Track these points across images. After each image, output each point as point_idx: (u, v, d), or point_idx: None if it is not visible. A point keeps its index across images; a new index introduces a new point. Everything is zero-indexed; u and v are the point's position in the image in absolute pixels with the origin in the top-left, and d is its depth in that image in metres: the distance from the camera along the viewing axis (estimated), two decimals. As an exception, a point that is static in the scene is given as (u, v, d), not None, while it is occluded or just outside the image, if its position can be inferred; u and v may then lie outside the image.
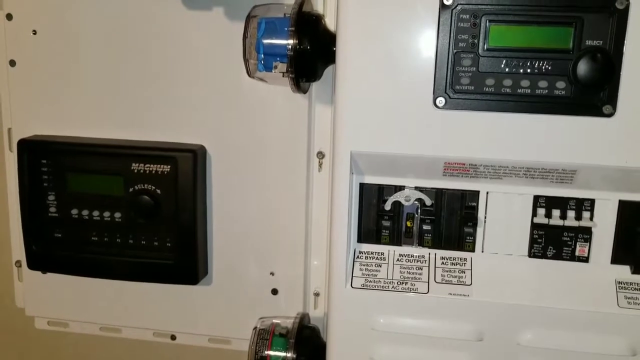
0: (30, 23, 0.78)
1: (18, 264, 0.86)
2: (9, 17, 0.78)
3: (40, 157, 0.78)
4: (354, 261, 0.65)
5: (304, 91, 0.70)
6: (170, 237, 0.78)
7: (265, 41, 0.65)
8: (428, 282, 0.63)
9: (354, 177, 0.65)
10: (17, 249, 0.85)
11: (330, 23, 0.71)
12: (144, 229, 0.78)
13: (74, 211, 0.79)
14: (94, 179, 0.78)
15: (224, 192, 0.80)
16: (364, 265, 0.65)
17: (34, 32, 0.78)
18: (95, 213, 0.79)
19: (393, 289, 0.63)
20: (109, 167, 0.77)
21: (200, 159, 0.77)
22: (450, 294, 0.62)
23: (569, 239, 0.63)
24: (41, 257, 0.81)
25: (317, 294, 0.81)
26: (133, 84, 0.78)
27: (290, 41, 0.64)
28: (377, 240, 0.66)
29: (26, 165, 0.78)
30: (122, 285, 0.82)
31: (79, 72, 0.78)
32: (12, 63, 0.79)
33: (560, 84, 0.57)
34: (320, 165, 0.78)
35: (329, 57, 0.64)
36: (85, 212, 0.79)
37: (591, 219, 0.63)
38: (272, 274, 0.81)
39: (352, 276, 0.64)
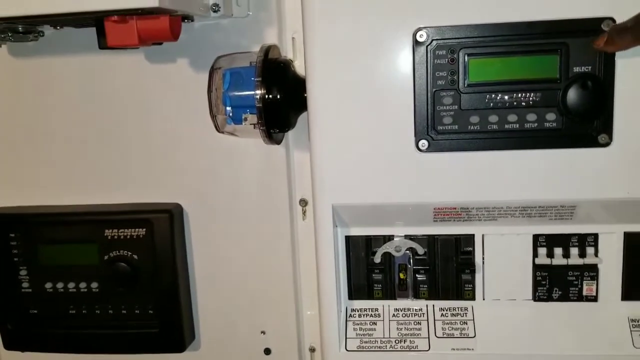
0: (-13, 90, 0.74)
1: (-6, 343, 0.81)
2: (-34, 84, 0.74)
3: (7, 231, 0.74)
4: (346, 321, 0.61)
5: (278, 142, 0.66)
6: (152, 304, 0.73)
7: (232, 94, 0.61)
8: (428, 337, 0.59)
9: (339, 230, 0.60)
10: (-7, 328, 0.80)
11: (300, 66, 0.67)
12: (124, 298, 0.74)
13: (48, 285, 0.74)
14: (66, 249, 0.74)
15: (205, 251, 0.75)
16: (357, 324, 0.60)
17: (-8, 99, 0.74)
18: (71, 285, 0.74)
19: (392, 349, 0.59)
20: (81, 236, 0.73)
21: (176, 219, 0.73)
22: (454, 349, 0.58)
23: (574, 278, 0.59)
24: (18, 336, 0.76)
25: (312, 350, 0.76)
26: (100, 145, 0.73)
27: (258, 92, 0.60)
28: (370, 296, 0.61)
29: (-7, 240, 0.74)
30: (105, 359, 0.77)
31: (42, 137, 0.74)
32: (-29, 133, 0.75)
33: (550, 116, 0.53)
34: (303, 213, 0.74)
35: (301, 104, 0.60)
36: (60, 285, 0.74)
37: (596, 254, 0.59)
38: (263, 332, 0.76)
39: (345, 338, 0.60)
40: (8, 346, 0.77)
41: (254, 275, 0.75)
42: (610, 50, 0.50)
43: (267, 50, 0.61)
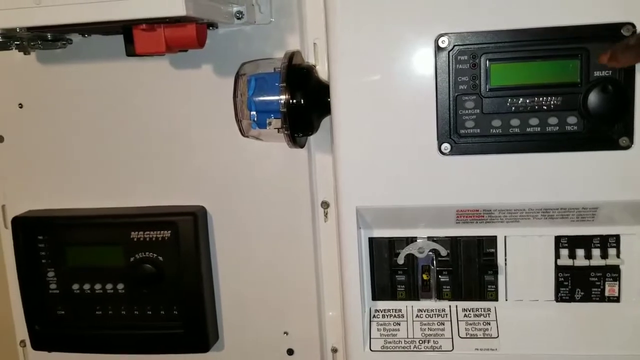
0: (15, 97, 0.76)
1: (22, 343, 0.83)
2: (-6, 92, 0.76)
3: (36, 234, 0.75)
4: (370, 321, 0.62)
5: (301, 145, 0.67)
6: (177, 305, 0.75)
7: (257, 99, 0.62)
8: (452, 337, 0.60)
9: (362, 232, 0.61)
10: (21, 328, 0.82)
11: (322, 71, 0.69)
12: (149, 299, 0.75)
13: (75, 286, 0.76)
14: (93, 251, 0.75)
15: (228, 252, 0.77)
16: (381, 324, 0.61)
17: (20, 106, 0.76)
18: (97, 286, 0.76)
19: (415, 349, 0.59)
20: (107, 238, 0.74)
21: (200, 221, 0.74)
22: (477, 349, 0.59)
23: (596, 279, 0.59)
24: (45, 337, 0.78)
25: (334, 350, 0.77)
26: (126, 150, 0.75)
27: (283, 97, 0.61)
28: (393, 297, 0.62)
29: (22, 242, 0.75)
30: (131, 359, 0.79)
31: (69, 143, 0.76)
32: (0, 139, 0.77)
33: (572, 119, 0.54)
34: (325, 215, 0.75)
35: (324, 108, 0.61)
36: (86, 287, 0.76)
37: (618, 255, 0.59)
38: (285, 333, 0.77)
39: (370, 338, 0.61)
40: (36, 346, 0.78)
41: (276, 277, 0.76)
42: (614, 66, 0.52)
43: (291, 56, 0.62)
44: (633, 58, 0.50)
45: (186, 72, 0.72)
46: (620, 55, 0.50)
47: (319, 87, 0.63)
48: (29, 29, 0.61)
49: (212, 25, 0.68)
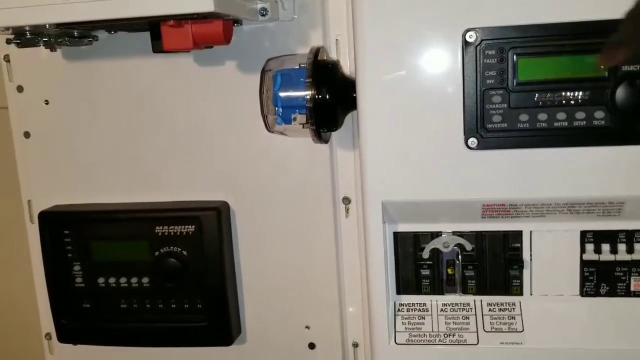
0: (41, 93, 0.77)
1: (48, 336, 0.84)
2: (20, 89, 0.77)
3: (62, 228, 0.76)
4: (395, 315, 0.62)
5: (326, 141, 0.67)
6: (201, 299, 0.76)
7: (282, 94, 0.62)
8: (477, 331, 0.60)
9: (387, 227, 0.62)
10: (46, 322, 0.83)
11: (345, 67, 0.69)
12: (173, 292, 0.76)
13: (101, 280, 0.77)
14: (118, 246, 0.76)
15: (251, 247, 0.77)
16: (406, 318, 0.62)
17: (46, 102, 0.77)
18: (123, 280, 0.77)
19: (440, 343, 0.60)
20: (132, 233, 0.75)
21: (224, 216, 0.75)
22: (502, 343, 0.59)
23: (622, 274, 0.59)
24: (71, 330, 0.79)
25: (356, 345, 0.78)
26: (150, 145, 0.76)
27: (308, 92, 0.61)
28: (418, 291, 0.62)
29: (48, 237, 0.76)
30: (155, 351, 0.80)
31: (95, 138, 0.77)
32: (27, 135, 0.78)
33: (599, 114, 0.54)
34: (347, 211, 0.75)
35: (349, 104, 0.62)
36: (112, 280, 0.77)
37: (644, 250, 0.59)
38: (307, 327, 0.78)
39: (395, 331, 0.61)
40: (62, 339, 0.79)
41: (298, 271, 0.77)
42: (612, 65, 0.52)
43: (316, 51, 0.63)
44: (626, 52, 0.49)
45: (210, 69, 0.73)
46: (616, 53, 0.50)
47: (344, 83, 0.63)
48: (58, 25, 0.62)
49: (236, 21, 0.68)
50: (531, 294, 0.61)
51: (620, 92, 0.53)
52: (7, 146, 0.80)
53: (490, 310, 0.61)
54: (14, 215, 0.83)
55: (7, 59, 0.76)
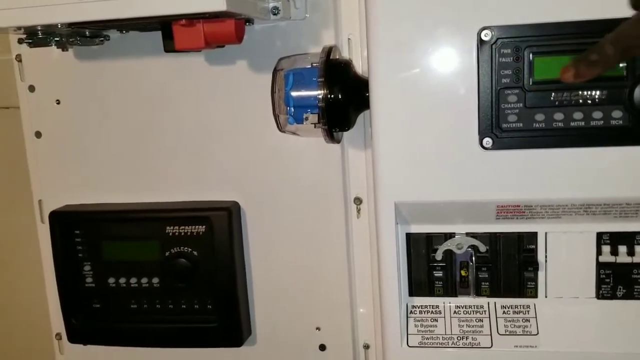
0: (53, 93, 0.77)
1: (58, 336, 0.84)
2: (32, 88, 0.77)
3: (72, 228, 0.76)
4: (407, 317, 0.61)
5: (338, 141, 0.67)
6: (211, 299, 0.75)
7: (294, 94, 0.62)
8: (490, 334, 0.59)
9: (399, 227, 0.61)
10: (57, 322, 0.83)
11: (357, 66, 0.68)
12: (183, 293, 0.76)
13: (111, 280, 0.77)
14: (128, 246, 0.76)
15: (261, 247, 0.77)
16: (418, 320, 0.61)
17: (58, 102, 0.77)
18: (133, 280, 0.77)
19: (453, 345, 0.59)
20: (143, 233, 0.75)
21: (234, 216, 0.74)
22: (516, 346, 0.58)
23: (639, 276, 0.58)
24: (81, 330, 0.79)
25: (366, 347, 0.77)
26: (161, 145, 0.76)
27: (321, 92, 0.61)
28: (430, 293, 0.62)
29: (59, 237, 0.76)
30: (165, 352, 0.79)
31: (106, 138, 0.77)
32: (38, 135, 0.78)
33: (617, 114, 0.53)
34: (358, 211, 0.75)
35: (362, 104, 0.61)
36: (122, 280, 0.77)
37: (662, 253, 0.58)
38: (318, 328, 0.77)
39: (407, 334, 0.60)
40: (72, 339, 0.79)
41: (309, 272, 0.76)
42: (579, 81, 0.49)
43: (329, 51, 0.62)
44: (598, 72, 0.48)
45: (221, 68, 0.72)
46: (587, 72, 0.48)
47: (357, 82, 0.63)
48: (69, 25, 0.62)
49: (248, 21, 0.68)
50: (546, 297, 0.60)
51: (639, 92, 0.52)
52: (18, 146, 0.80)
53: (504, 312, 0.60)
54: (25, 215, 0.83)
55: (19, 58, 0.77)
